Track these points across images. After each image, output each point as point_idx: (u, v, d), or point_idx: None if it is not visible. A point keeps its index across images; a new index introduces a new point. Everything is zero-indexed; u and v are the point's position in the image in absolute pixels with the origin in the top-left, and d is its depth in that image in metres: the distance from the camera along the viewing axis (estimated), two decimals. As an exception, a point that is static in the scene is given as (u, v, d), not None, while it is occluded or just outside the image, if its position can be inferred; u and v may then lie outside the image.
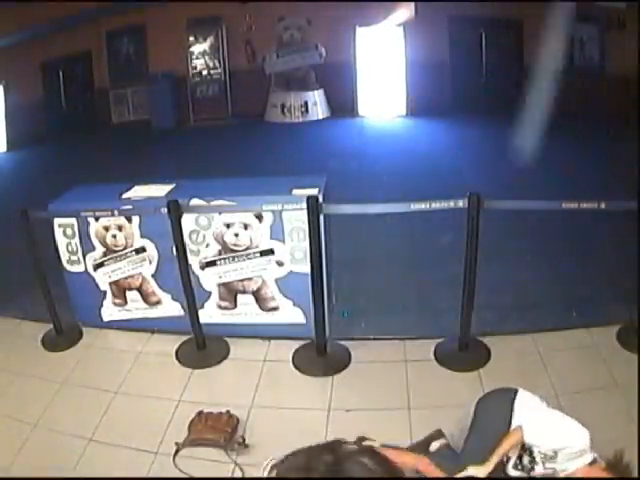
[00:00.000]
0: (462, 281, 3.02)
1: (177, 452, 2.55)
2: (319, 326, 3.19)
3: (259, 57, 10.45)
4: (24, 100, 9.59)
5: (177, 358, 3.35)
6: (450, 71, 10.09)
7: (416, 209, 2.96)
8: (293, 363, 3.24)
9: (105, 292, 3.55)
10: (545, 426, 2.15)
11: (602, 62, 8.65)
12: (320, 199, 3.04)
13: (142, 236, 3.35)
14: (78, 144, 9.42)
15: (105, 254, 3.43)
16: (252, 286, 3.36)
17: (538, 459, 2.13)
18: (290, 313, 3.38)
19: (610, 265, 3.96)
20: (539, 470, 2.12)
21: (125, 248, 3.39)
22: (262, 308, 3.41)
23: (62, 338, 3.58)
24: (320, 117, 10.39)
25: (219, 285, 3.39)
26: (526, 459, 2.16)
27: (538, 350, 3.16)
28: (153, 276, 3.45)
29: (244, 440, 2.59)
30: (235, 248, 3.26)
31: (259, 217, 3.17)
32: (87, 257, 3.45)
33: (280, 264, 3.27)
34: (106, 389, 3.08)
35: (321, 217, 2.99)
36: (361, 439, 2.14)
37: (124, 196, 3.41)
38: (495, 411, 2.29)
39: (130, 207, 3.30)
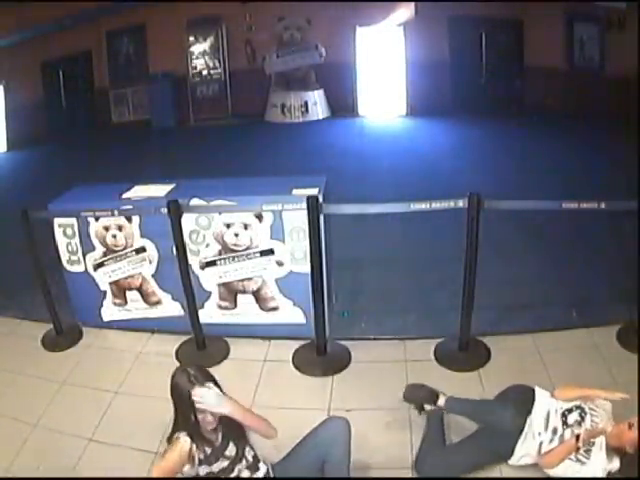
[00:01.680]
0: (462, 281, 3.02)
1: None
2: (319, 326, 3.19)
3: (259, 57, 10.45)
4: (24, 100, 9.59)
5: (177, 358, 3.35)
6: (450, 71, 10.09)
7: (416, 209, 2.96)
8: (293, 363, 3.24)
9: (105, 292, 3.55)
10: None
11: (602, 62, 8.65)
12: (320, 199, 3.04)
13: (142, 236, 3.35)
14: (78, 144, 9.43)
15: (105, 254, 3.43)
16: (252, 286, 3.36)
17: (587, 409, 2.32)
18: (290, 313, 3.38)
19: (610, 265, 3.96)
20: (586, 425, 2.27)
21: (125, 248, 3.39)
22: (262, 308, 3.41)
23: (62, 338, 3.58)
24: (320, 117, 10.39)
25: (219, 285, 3.39)
26: (576, 413, 2.33)
27: (538, 350, 3.16)
28: (153, 276, 3.45)
29: (244, 440, 2.58)
30: (235, 248, 3.26)
31: (259, 217, 3.17)
32: (87, 257, 3.45)
33: (280, 264, 3.27)
34: (106, 389, 3.08)
35: (321, 217, 2.99)
36: None
37: (124, 196, 3.41)
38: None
39: (130, 207, 3.30)
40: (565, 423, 2.31)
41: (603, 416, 2.31)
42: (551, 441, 2.29)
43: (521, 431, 2.34)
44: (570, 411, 2.35)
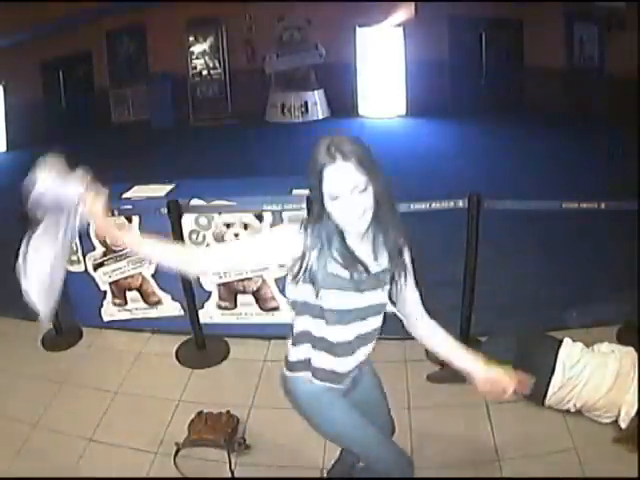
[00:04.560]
0: (462, 281, 3.02)
1: (177, 452, 2.55)
2: (319, 326, 3.18)
3: (259, 57, 10.46)
4: (24, 100, 9.58)
5: (177, 358, 3.35)
6: (450, 71, 10.09)
7: (416, 209, 2.96)
8: (293, 363, 3.24)
9: (105, 292, 3.55)
10: None
11: (602, 62, 8.65)
12: (320, 199, 3.03)
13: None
14: (78, 144, 9.41)
15: (105, 254, 3.43)
16: (252, 286, 3.36)
17: None
18: (290, 313, 3.37)
19: (610, 265, 3.96)
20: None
21: (125, 248, 3.39)
22: (262, 308, 3.41)
23: (62, 338, 3.58)
24: (320, 117, 10.40)
25: (219, 285, 3.39)
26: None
27: (538, 350, 3.16)
28: (153, 276, 3.45)
29: (244, 440, 2.59)
30: (235, 248, 3.26)
31: (259, 217, 3.17)
32: (87, 257, 3.45)
33: (280, 264, 3.27)
34: (106, 389, 3.08)
35: (321, 217, 2.99)
36: None
37: (124, 196, 3.41)
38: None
39: (130, 207, 3.30)
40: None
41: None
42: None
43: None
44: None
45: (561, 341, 2.67)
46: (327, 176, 1.41)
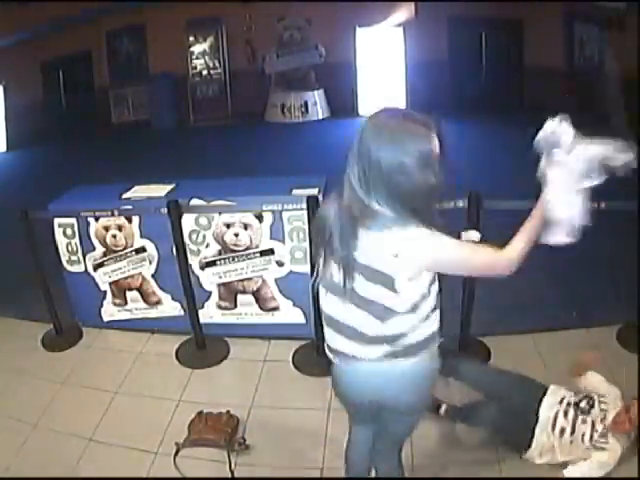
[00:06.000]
0: (462, 281, 3.02)
1: (177, 452, 2.55)
2: (319, 326, 3.18)
3: (259, 57, 10.46)
4: (24, 100, 9.59)
5: (177, 358, 3.35)
6: (450, 71, 10.09)
7: (416, 209, 2.95)
8: (293, 363, 3.24)
9: (105, 292, 3.55)
10: None
11: (602, 62, 8.64)
12: (320, 199, 3.04)
13: (142, 236, 3.35)
14: (78, 144, 9.43)
15: (105, 254, 3.43)
16: (252, 286, 3.36)
17: (595, 397, 2.40)
18: (290, 313, 3.38)
19: (610, 265, 3.96)
20: (595, 411, 2.35)
21: (125, 248, 3.39)
22: (262, 308, 3.41)
23: (62, 338, 3.58)
24: (320, 117, 10.39)
25: (219, 285, 3.39)
26: (584, 402, 2.41)
27: (538, 350, 3.16)
28: (153, 276, 3.45)
29: (244, 440, 2.59)
30: (235, 248, 3.27)
31: (259, 217, 3.17)
32: (87, 257, 3.46)
33: (280, 264, 3.27)
34: (106, 389, 3.08)
35: (321, 217, 2.99)
36: None
37: (124, 196, 3.41)
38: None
39: (130, 207, 3.30)
40: (577, 411, 2.38)
41: (611, 402, 2.38)
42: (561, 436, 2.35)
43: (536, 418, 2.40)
44: (578, 403, 2.41)
45: (546, 390, 2.50)
46: None
